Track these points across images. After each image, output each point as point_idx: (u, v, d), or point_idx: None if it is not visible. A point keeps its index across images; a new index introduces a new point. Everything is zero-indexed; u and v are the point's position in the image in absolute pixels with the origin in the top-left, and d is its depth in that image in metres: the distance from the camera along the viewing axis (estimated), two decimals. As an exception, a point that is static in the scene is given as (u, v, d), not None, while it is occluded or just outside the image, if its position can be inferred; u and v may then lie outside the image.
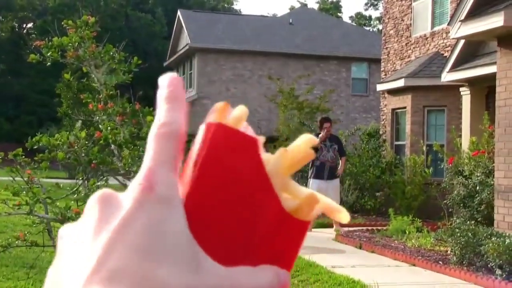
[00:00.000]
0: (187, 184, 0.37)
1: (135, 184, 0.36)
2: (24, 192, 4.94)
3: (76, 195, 5.08)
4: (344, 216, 0.43)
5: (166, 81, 0.39)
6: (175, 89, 0.38)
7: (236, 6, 62.11)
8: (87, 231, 0.36)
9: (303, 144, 0.42)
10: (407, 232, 9.44)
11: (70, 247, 0.37)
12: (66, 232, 0.38)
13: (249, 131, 0.40)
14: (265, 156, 0.39)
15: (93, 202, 0.37)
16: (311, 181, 10.70)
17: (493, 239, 6.98)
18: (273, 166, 0.39)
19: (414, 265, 7.73)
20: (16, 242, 4.99)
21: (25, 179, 4.96)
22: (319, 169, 10.59)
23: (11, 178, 5.01)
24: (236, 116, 0.40)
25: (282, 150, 0.40)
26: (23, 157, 5.01)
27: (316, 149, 10.31)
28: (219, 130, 0.38)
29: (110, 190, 0.38)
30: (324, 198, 0.42)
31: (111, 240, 0.34)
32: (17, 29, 45.52)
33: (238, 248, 0.37)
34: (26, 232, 5.05)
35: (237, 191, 0.37)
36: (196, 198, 0.37)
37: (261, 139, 0.41)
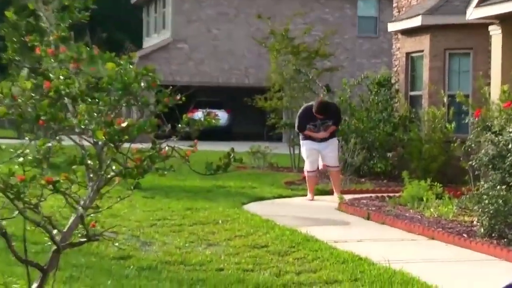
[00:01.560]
0: None
1: None
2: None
3: (22, 158, 4.98)
4: None
5: None
6: None
7: None
8: None
9: None
10: (424, 200, 9.47)
11: None
12: None
13: None
14: None
15: None
16: (302, 143, 11.35)
17: (528, 206, 6.96)
18: None
19: (433, 238, 7.75)
20: None
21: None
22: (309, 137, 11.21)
23: None
24: None
25: None
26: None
27: (303, 128, 11.04)
28: None
29: None
30: None
31: None
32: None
33: None
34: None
35: None
36: None
37: None
